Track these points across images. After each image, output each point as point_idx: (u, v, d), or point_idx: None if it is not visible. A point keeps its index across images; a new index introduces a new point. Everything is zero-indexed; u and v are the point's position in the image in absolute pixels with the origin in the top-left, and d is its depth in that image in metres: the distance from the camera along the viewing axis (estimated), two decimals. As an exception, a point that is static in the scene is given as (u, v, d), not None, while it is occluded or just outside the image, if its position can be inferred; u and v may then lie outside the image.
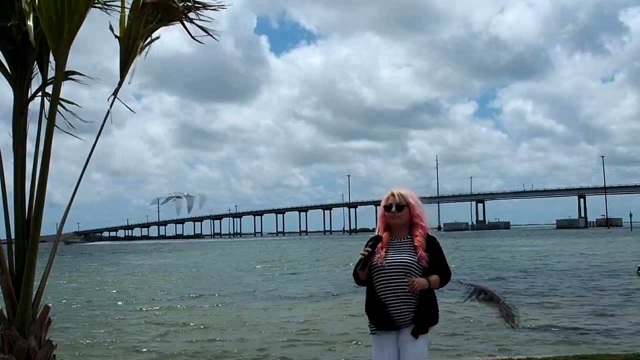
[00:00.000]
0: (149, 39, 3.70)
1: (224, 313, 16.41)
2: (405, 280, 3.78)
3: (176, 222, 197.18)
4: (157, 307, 17.96)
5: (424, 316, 3.83)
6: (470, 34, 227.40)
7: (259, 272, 31.52)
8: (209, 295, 20.66)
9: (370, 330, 3.94)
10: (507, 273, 26.08)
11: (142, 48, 3.66)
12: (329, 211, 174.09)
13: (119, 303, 19.51)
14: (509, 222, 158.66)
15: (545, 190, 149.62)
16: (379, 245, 3.89)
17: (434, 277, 3.83)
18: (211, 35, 3.83)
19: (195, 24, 3.76)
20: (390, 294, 3.82)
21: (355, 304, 14.86)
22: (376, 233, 3.98)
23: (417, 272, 3.81)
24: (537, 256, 36.93)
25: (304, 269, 32.59)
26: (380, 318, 3.85)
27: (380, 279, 3.86)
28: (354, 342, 11.42)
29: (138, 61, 3.62)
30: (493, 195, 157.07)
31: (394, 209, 3.95)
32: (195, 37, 3.80)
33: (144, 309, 17.67)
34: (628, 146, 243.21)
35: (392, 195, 3.99)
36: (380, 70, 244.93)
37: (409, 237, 3.96)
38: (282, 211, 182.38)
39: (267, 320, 14.76)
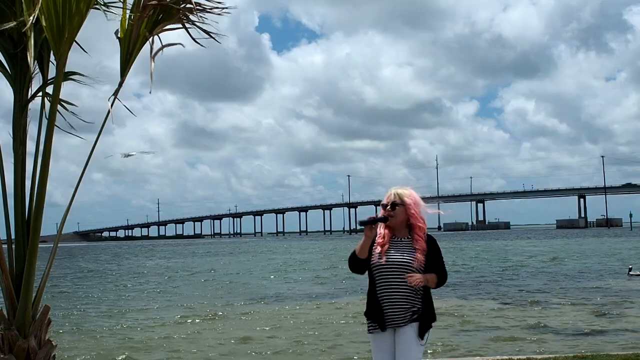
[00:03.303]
0: (154, 43, 3.65)
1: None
2: (404, 279, 3.84)
3: (176, 222, 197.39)
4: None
5: (426, 315, 3.89)
6: (474, 33, 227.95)
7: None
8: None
9: (369, 329, 3.98)
10: (510, 274, 26.07)
11: (155, 52, 3.61)
12: (329, 211, 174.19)
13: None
14: (509, 222, 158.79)
15: (545, 190, 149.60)
16: (379, 241, 3.94)
17: (431, 275, 3.90)
18: (214, 39, 3.80)
19: (197, 26, 3.73)
20: (390, 293, 3.87)
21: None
22: (378, 230, 4.00)
23: (414, 272, 3.87)
24: (542, 257, 36.93)
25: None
26: (379, 316, 3.89)
27: (381, 276, 3.91)
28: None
29: (148, 63, 3.59)
30: (493, 195, 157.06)
31: (388, 207, 3.99)
32: (197, 40, 3.78)
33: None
34: (630, 146, 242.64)
35: (391, 193, 4.04)
36: (383, 69, 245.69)
37: (409, 237, 3.99)
38: (282, 211, 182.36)
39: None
